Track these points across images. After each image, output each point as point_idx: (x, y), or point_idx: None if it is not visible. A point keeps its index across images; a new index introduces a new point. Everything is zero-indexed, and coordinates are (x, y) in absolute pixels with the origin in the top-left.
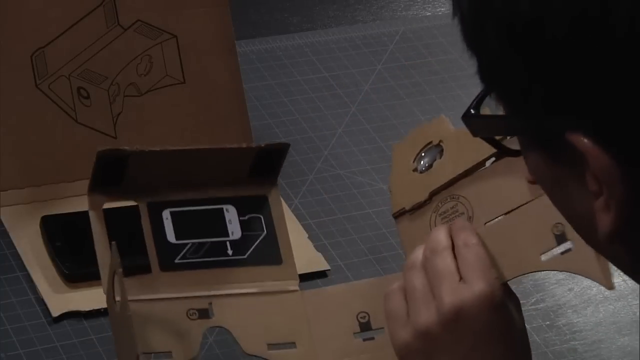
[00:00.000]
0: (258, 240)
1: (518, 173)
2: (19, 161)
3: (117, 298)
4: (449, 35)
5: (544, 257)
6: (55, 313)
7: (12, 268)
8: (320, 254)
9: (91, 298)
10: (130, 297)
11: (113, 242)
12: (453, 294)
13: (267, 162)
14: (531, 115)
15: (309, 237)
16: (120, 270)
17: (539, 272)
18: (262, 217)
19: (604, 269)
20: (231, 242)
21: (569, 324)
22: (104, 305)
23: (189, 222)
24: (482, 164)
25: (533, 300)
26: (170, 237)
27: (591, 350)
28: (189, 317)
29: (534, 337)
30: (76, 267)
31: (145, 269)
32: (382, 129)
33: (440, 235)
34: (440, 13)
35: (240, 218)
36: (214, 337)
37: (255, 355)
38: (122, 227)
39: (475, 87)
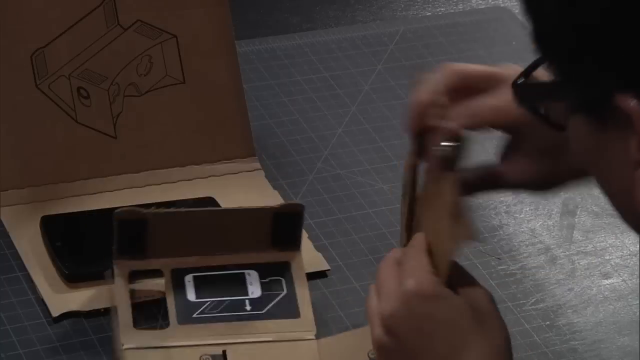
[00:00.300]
0: (277, 298)
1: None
2: (19, 161)
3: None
4: (449, 35)
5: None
6: (55, 313)
7: (12, 268)
8: (320, 254)
9: (91, 298)
10: (146, 345)
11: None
12: (392, 294)
13: (286, 225)
14: (582, 79)
15: (309, 237)
16: None
17: (539, 272)
18: (283, 280)
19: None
20: (250, 299)
21: (569, 324)
22: (104, 305)
23: (210, 284)
24: None
25: (533, 300)
26: (191, 296)
27: (591, 350)
28: None
29: (534, 337)
30: (76, 267)
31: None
32: (382, 129)
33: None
34: (440, 13)
35: (262, 280)
36: None
37: None
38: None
39: None
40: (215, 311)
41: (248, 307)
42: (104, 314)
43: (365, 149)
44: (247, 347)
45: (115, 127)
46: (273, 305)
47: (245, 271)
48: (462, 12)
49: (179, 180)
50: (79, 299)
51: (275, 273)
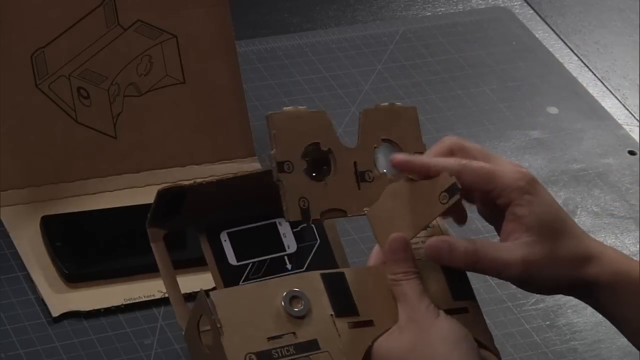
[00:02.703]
0: (313, 250)
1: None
2: (19, 161)
3: (204, 336)
4: (449, 35)
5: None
6: (55, 313)
7: (12, 268)
8: None
9: (91, 298)
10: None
11: (201, 289)
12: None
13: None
14: None
15: None
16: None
17: None
18: (313, 226)
19: None
20: (288, 255)
21: (569, 324)
22: (104, 305)
23: (247, 242)
24: None
25: (533, 300)
26: (232, 259)
27: (591, 350)
28: None
29: (534, 337)
30: (76, 267)
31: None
32: None
33: None
34: (440, 13)
35: (294, 230)
36: None
37: None
38: (129, 227)
39: (475, 87)
40: (258, 275)
41: (289, 266)
42: (104, 314)
43: None
44: None
45: (115, 127)
46: (311, 260)
47: (276, 220)
48: (462, 12)
49: (179, 180)
50: (79, 299)
51: None
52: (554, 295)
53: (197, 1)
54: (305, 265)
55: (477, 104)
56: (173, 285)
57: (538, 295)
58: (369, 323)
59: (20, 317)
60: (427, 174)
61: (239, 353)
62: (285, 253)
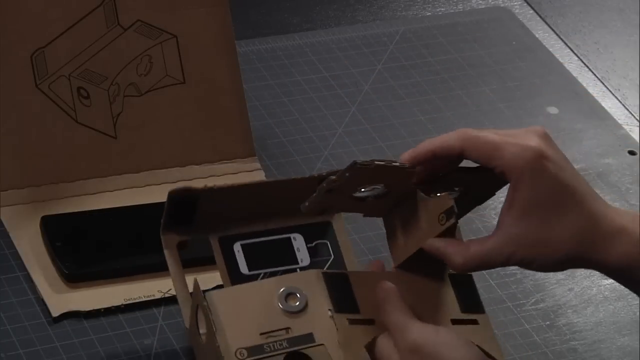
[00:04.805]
0: (326, 266)
1: None
2: (19, 161)
3: (202, 330)
4: (449, 35)
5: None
6: (55, 313)
7: (12, 268)
8: None
9: (91, 298)
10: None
11: (195, 277)
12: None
13: None
14: None
15: None
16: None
17: (539, 273)
18: (328, 243)
19: None
20: (301, 269)
21: (569, 324)
22: (104, 305)
23: (260, 253)
24: None
25: (533, 300)
26: (243, 269)
27: (591, 350)
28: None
29: (534, 337)
30: (76, 267)
31: (158, 267)
32: (382, 129)
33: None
34: (440, 13)
35: (308, 245)
36: None
37: None
38: (129, 227)
39: (475, 87)
40: None
41: None
42: (104, 314)
43: (365, 149)
44: None
45: (115, 127)
46: None
47: (291, 235)
48: (462, 12)
49: (179, 180)
50: (79, 299)
51: (319, 235)
52: (554, 295)
53: (197, 1)
54: None
55: (477, 104)
56: (183, 289)
57: (538, 295)
58: (370, 322)
59: (20, 317)
60: (435, 159)
61: (231, 348)
62: (297, 266)
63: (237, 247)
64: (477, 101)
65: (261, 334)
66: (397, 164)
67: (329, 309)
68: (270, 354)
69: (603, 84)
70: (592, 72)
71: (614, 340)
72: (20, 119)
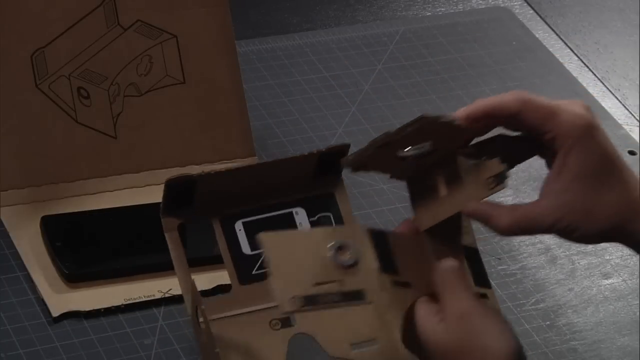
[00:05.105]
0: None
1: None
2: (19, 161)
3: (202, 324)
4: (449, 35)
5: None
6: (55, 313)
7: (12, 268)
8: None
9: (91, 298)
10: (212, 317)
11: (192, 278)
12: None
13: (329, 163)
14: None
15: None
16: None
17: (539, 272)
18: (331, 215)
19: None
20: None
21: (569, 324)
22: (104, 305)
23: (262, 230)
24: None
25: (533, 300)
26: (245, 249)
27: (591, 350)
28: (272, 328)
29: (534, 337)
30: (76, 267)
31: (158, 267)
32: (382, 129)
33: None
34: (440, 13)
35: (310, 219)
36: None
37: (338, 358)
38: (129, 227)
39: (475, 87)
40: None
41: None
42: (104, 314)
43: None
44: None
45: (115, 127)
46: None
47: (293, 210)
48: (462, 12)
49: None
50: (79, 299)
51: (322, 208)
52: (554, 295)
53: (197, 1)
54: None
55: None
56: (185, 275)
57: (538, 295)
58: (407, 285)
59: (20, 317)
60: (487, 118)
61: (285, 295)
62: None
63: (239, 226)
64: None
65: (315, 284)
66: (456, 121)
67: (377, 267)
68: (323, 306)
69: (603, 84)
70: (592, 72)
71: (614, 340)
72: (20, 119)
